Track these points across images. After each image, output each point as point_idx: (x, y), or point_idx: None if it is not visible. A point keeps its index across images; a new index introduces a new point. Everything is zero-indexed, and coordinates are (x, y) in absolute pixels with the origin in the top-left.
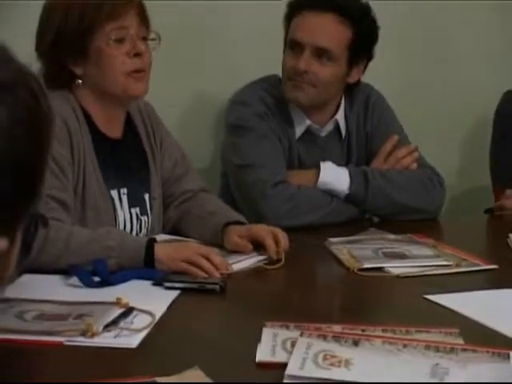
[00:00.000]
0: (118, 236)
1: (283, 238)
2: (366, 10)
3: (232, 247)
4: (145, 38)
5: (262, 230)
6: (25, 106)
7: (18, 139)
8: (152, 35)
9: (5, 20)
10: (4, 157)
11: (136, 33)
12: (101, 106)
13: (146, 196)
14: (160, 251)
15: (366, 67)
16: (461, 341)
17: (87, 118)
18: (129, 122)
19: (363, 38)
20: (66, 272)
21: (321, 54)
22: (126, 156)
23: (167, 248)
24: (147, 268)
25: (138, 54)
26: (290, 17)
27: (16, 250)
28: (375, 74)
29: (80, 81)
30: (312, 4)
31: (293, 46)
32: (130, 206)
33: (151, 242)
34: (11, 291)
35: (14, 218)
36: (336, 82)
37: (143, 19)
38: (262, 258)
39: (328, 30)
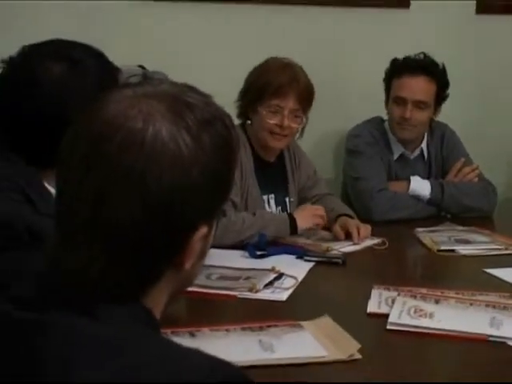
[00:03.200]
0: (269, 213)
1: (364, 229)
2: (443, 71)
3: (334, 232)
4: (297, 116)
5: (351, 224)
6: (221, 136)
7: (219, 160)
8: (304, 120)
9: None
10: (210, 174)
11: (289, 111)
12: (259, 146)
13: (287, 199)
14: (298, 215)
15: (440, 106)
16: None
17: (252, 147)
18: None
19: (442, 89)
20: (236, 247)
21: (419, 104)
22: (275, 172)
23: (300, 212)
24: (293, 233)
25: (282, 126)
26: (390, 77)
27: (212, 233)
28: (449, 116)
29: (249, 121)
30: (409, 70)
31: (398, 101)
32: (276, 206)
33: (288, 213)
34: None
35: (214, 213)
36: (427, 121)
37: (302, 100)
38: (372, 242)
39: (422, 88)
